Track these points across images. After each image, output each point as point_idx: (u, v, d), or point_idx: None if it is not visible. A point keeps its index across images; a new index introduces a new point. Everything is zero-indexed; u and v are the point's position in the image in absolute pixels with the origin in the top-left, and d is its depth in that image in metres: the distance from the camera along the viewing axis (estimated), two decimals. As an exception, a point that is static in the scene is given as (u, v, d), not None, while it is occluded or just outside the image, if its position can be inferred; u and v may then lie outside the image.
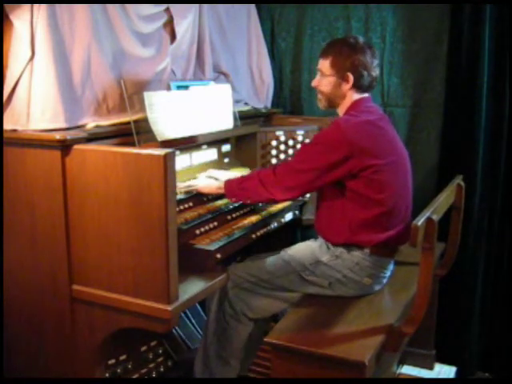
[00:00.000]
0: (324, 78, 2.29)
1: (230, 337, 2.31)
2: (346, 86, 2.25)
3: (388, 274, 2.32)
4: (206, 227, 2.26)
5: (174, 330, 2.52)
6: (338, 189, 2.19)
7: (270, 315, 2.37)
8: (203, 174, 2.56)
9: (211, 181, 2.45)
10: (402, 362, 2.94)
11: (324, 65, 2.29)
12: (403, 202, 2.27)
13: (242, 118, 2.93)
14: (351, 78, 2.23)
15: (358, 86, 2.25)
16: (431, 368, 2.99)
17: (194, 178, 2.53)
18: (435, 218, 1.84)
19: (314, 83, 2.36)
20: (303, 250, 2.33)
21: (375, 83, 2.32)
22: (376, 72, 2.29)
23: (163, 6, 2.53)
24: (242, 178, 2.34)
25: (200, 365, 2.38)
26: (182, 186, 2.39)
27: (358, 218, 2.17)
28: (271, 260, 2.32)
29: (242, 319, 2.31)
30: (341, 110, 2.31)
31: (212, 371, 2.35)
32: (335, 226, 2.23)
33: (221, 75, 3.00)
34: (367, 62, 2.23)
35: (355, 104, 2.26)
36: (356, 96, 2.27)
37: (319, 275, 2.24)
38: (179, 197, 2.28)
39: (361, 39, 2.28)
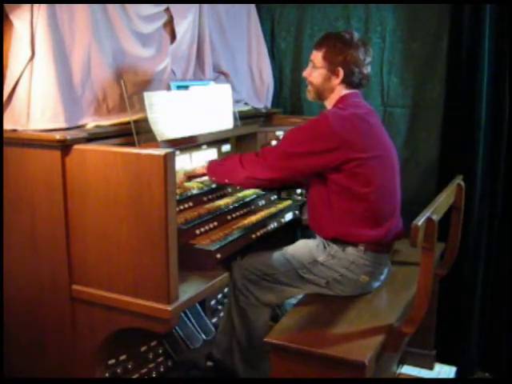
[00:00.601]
0: (315, 69, 2.31)
1: (253, 323, 2.32)
2: (336, 81, 2.27)
3: (385, 270, 2.33)
4: (206, 227, 2.26)
5: (173, 330, 2.52)
6: (322, 181, 2.20)
7: (270, 308, 2.37)
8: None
9: (199, 164, 2.50)
10: (402, 362, 2.94)
11: (316, 56, 2.30)
12: (390, 197, 2.28)
13: (242, 118, 2.93)
14: (341, 73, 2.25)
15: (347, 82, 2.27)
16: (431, 368, 2.99)
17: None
18: (435, 218, 1.84)
19: (304, 73, 2.38)
20: (302, 248, 2.34)
21: (366, 81, 2.33)
22: (367, 70, 2.30)
23: (163, 6, 2.53)
24: (224, 158, 2.39)
25: (238, 359, 2.35)
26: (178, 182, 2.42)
27: (344, 211, 2.19)
28: (275, 256, 2.33)
29: (257, 304, 2.31)
30: (329, 103, 2.33)
31: (253, 365, 2.33)
32: (323, 218, 2.25)
33: (221, 75, 2.99)
34: (359, 58, 2.24)
35: (343, 98, 2.28)
36: (345, 91, 2.29)
37: (317, 274, 2.25)
38: (179, 197, 2.28)
39: (356, 35, 2.29)
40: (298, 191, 2.94)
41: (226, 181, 2.39)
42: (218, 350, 2.44)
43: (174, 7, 2.58)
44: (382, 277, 2.32)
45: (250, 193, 2.63)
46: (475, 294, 3.01)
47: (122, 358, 2.19)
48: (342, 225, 2.20)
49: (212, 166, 2.40)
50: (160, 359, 2.40)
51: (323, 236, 2.28)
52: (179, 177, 2.42)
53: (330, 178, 2.18)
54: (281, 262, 2.30)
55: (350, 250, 2.22)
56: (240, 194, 2.62)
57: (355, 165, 2.13)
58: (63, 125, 2.02)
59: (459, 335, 3.05)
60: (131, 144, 2.16)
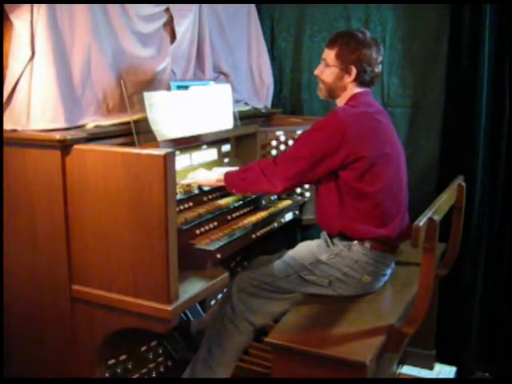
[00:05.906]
0: (327, 68, 2.31)
1: (222, 343, 2.27)
2: (348, 79, 2.27)
3: (388, 271, 2.33)
4: (206, 227, 2.26)
5: (174, 330, 2.52)
6: (332, 178, 2.21)
7: (269, 319, 2.33)
8: (191, 174, 2.52)
9: (211, 173, 2.47)
10: (402, 362, 2.94)
11: (329, 55, 2.30)
12: (395, 197, 2.27)
13: (242, 118, 2.93)
14: (354, 71, 2.25)
15: (359, 81, 2.27)
16: (431, 368, 2.99)
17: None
18: (436, 218, 1.84)
19: (316, 72, 2.37)
20: (303, 250, 2.35)
21: (377, 79, 2.34)
22: (379, 68, 2.31)
23: (163, 6, 2.53)
24: (243, 169, 2.36)
25: (189, 367, 2.34)
26: (183, 182, 2.41)
27: (351, 207, 2.20)
28: (274, 264, 2.33)
29: (240, 326, 2.27)
30: (340, 102, 2.33)
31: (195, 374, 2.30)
32: (331, 213, 2.25)
33: (221, 75, 2.99)
34: (372, 57, 2.25)
35: (354, 96, 2.28)
36: (356, 89, 2.29)
37: (319, 274, 2.24)
38: (179, 197, 2.28)
39: (368, 34, 2.29)
40: (298, 191, 2.94)
41: (249, 193, 2.44)
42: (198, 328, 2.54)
43: (173, 7, 2.57)
44: (385, 278, 2.32)
45: (250, 193, 2.63)
46: (475, 293, 3.01)
47: (122, 357, 2.19)
48: (349, 220, 2.20)
49: (231, 180, 2.34)
50: (160, 359, 2.40)
51: (330, 231, 2.27)
52: (188, 182, 2.42)
53: (340, 176, 2.18)
54: (280, 268, 2.30)
55: (355, 247, 2.22)
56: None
57: (365, 164, 2.14)
58: (63, 125, 2.02)
59: (459, 335, 3.05)
60: (131, 144, 2.16)
